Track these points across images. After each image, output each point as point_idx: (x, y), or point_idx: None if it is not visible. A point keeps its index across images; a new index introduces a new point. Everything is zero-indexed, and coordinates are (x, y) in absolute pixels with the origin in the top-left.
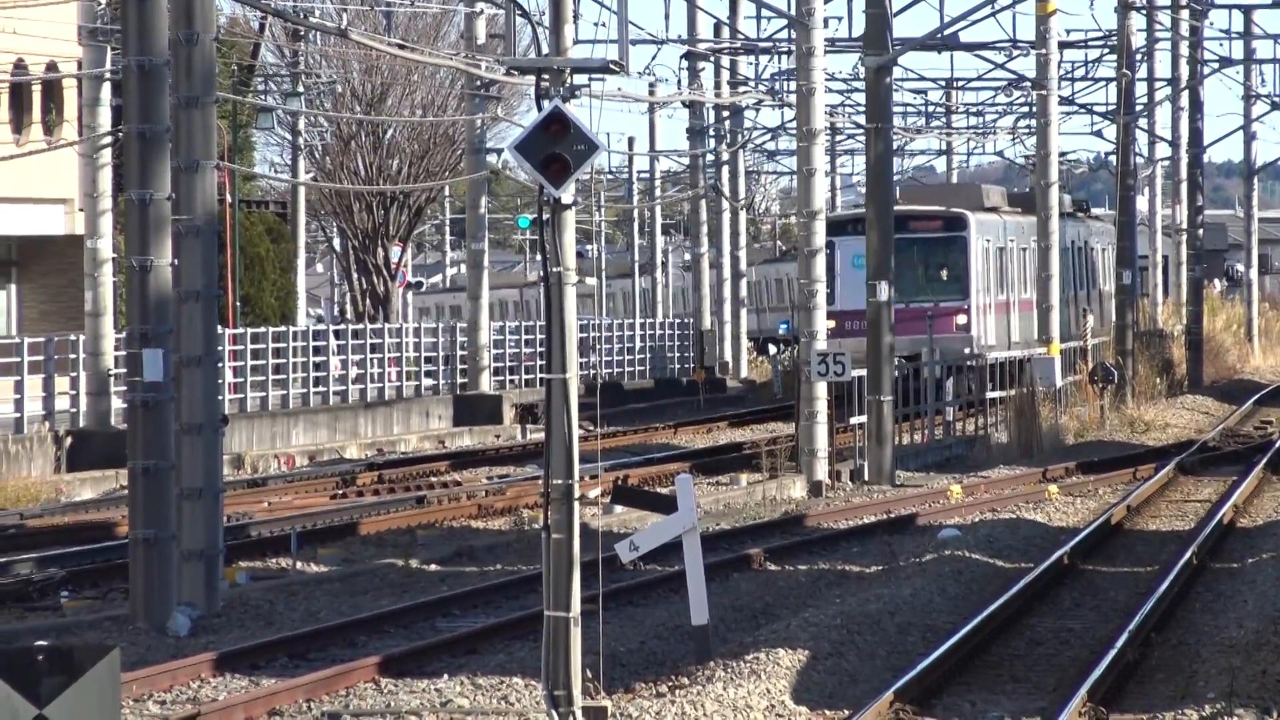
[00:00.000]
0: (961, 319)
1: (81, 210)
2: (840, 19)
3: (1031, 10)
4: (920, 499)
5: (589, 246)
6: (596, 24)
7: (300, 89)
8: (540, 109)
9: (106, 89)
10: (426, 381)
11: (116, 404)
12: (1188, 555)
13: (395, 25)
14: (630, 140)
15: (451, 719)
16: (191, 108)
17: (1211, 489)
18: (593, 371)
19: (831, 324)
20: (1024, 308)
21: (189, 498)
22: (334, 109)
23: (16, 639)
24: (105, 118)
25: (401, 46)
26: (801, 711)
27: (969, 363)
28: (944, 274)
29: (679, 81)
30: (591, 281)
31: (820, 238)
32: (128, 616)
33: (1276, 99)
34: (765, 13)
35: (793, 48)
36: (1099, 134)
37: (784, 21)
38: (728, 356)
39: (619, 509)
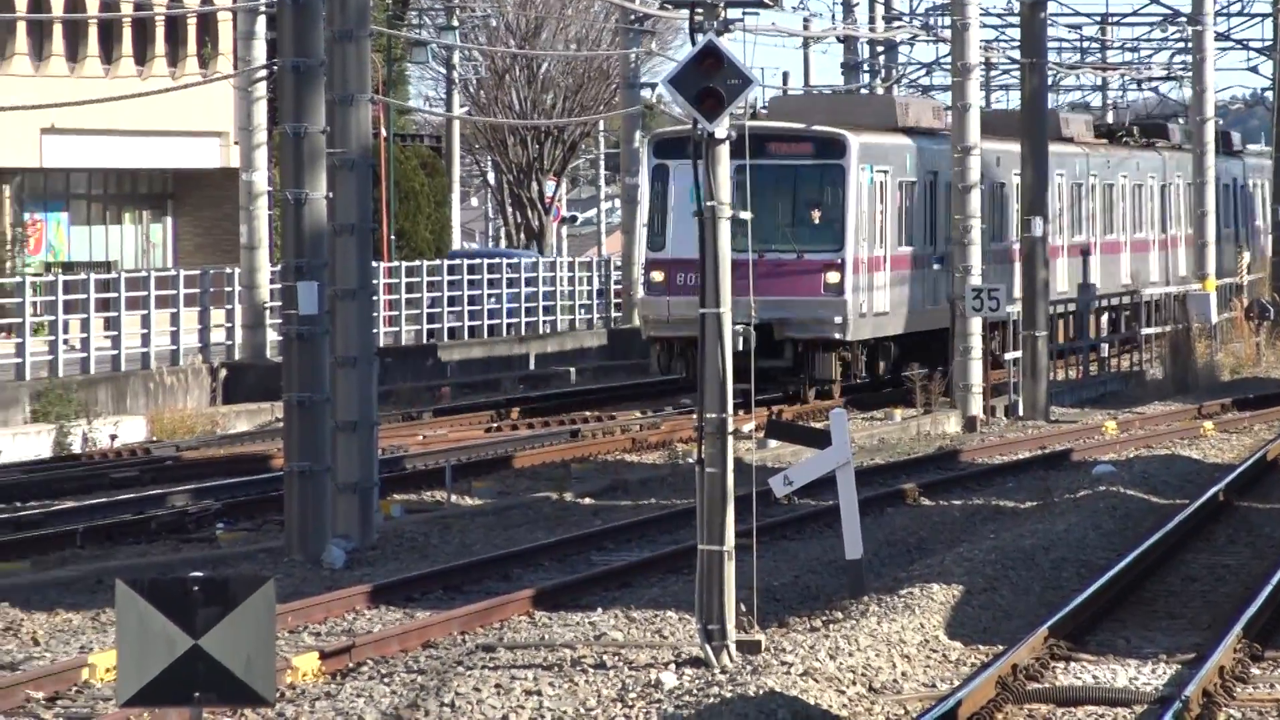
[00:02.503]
0: (832, 276)
1: (236, 143)
2: None
3: None
4: (1074, 435)
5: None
6: None
7: (455, 23)
8: (694, 43)
9: (261, 22)
10: (580, 315)
11: (272, 337)
12: None
13: None
14: (784, 75)
15: (605, 652)
16: (346, 41)
17: None
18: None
19: (658, 276)
20: (1109, 249)
21: (344, 430)
22: (488, 43)
23: (172, 570)
24: (260, 51)
25: None
26: (955, 646)
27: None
28: (814, 216)
29: (833, 16)
30: (746, 215)
31: (975, 172)
32: (282, 549)
33: None
34: None
35: None
36: (1254, 70)
37: None
38: None
39: (773, 443)
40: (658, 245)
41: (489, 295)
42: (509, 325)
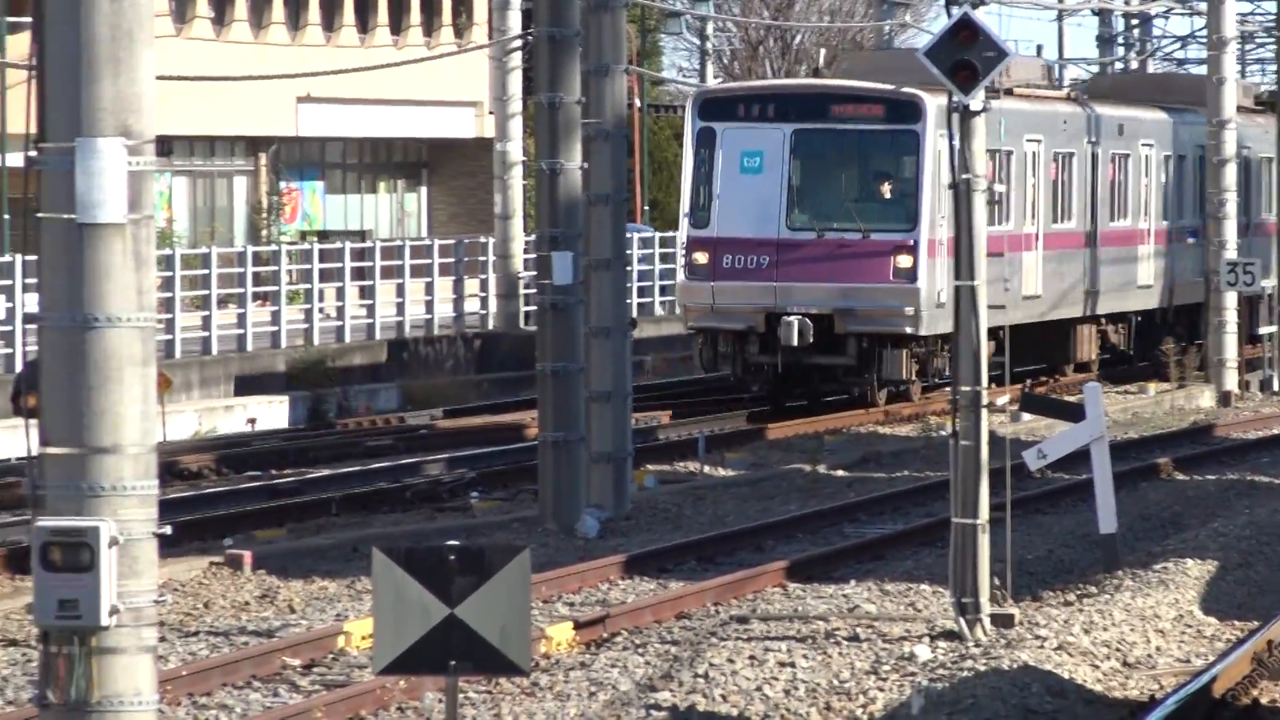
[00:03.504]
0: (903, 260)
1: (491, 113)
2: None
3: None
4: None
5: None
6: None
7: None
8: (949, 15)
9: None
10: None
11: (526, 307)
12: None
13: None
14: (1039, 48)
15: (859, 624)
16: (601, 11)
17: None
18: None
19: (701, 258)
20: None
21: (598, 400)
22: (742, 14)
23: (427, 539)
24: (515, 21)
25: None
26: (1210, 622)
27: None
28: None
29: None
30: (1000, 187)
31: (1230, 146)
32: (536, 518)
33: None
34: None
35: None
36: None
37: None
38: None
39: (1026, 417)
40: (701, 222)
41: None
42: None
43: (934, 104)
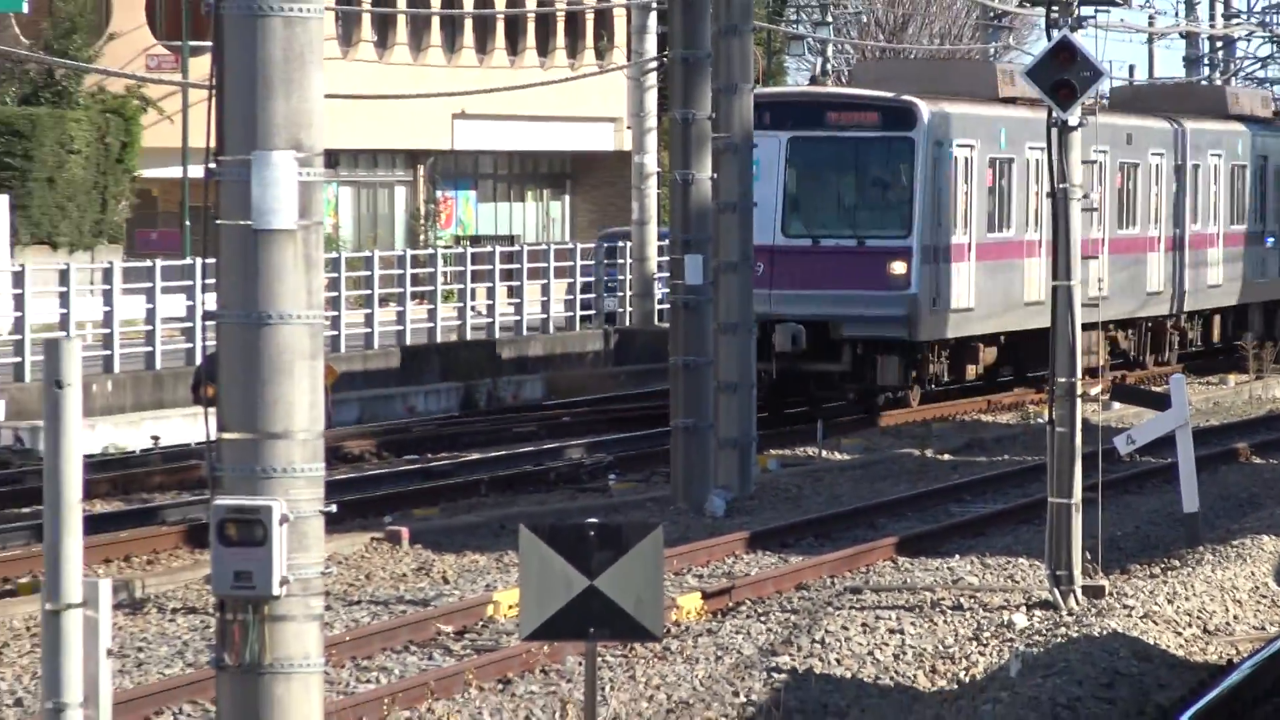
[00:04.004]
0: (898, 267)
1: (629, 128)
2: None
3: None
4: None
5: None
6: None
7: (829, 18)
8: (1049, 38)
9: (653, 18)
10: None
11: (659, 305)
12: None
13: None
14: (1130, 68)
15: (962, 595)
16: (730, 35)
17: None
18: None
19: None
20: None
21: (725, 391)
22: (859, 37)
23: (569, 517)
24: (652, 44)
25: None
26: None
27: None
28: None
29: (1176, 13)
30: (1094, 196)
31: None
32: (668, 498)
33: None
34: None
35: None
36: None
37: None
38: None
39: (1117, 405)
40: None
41: None
42: None
43: (928, 111)
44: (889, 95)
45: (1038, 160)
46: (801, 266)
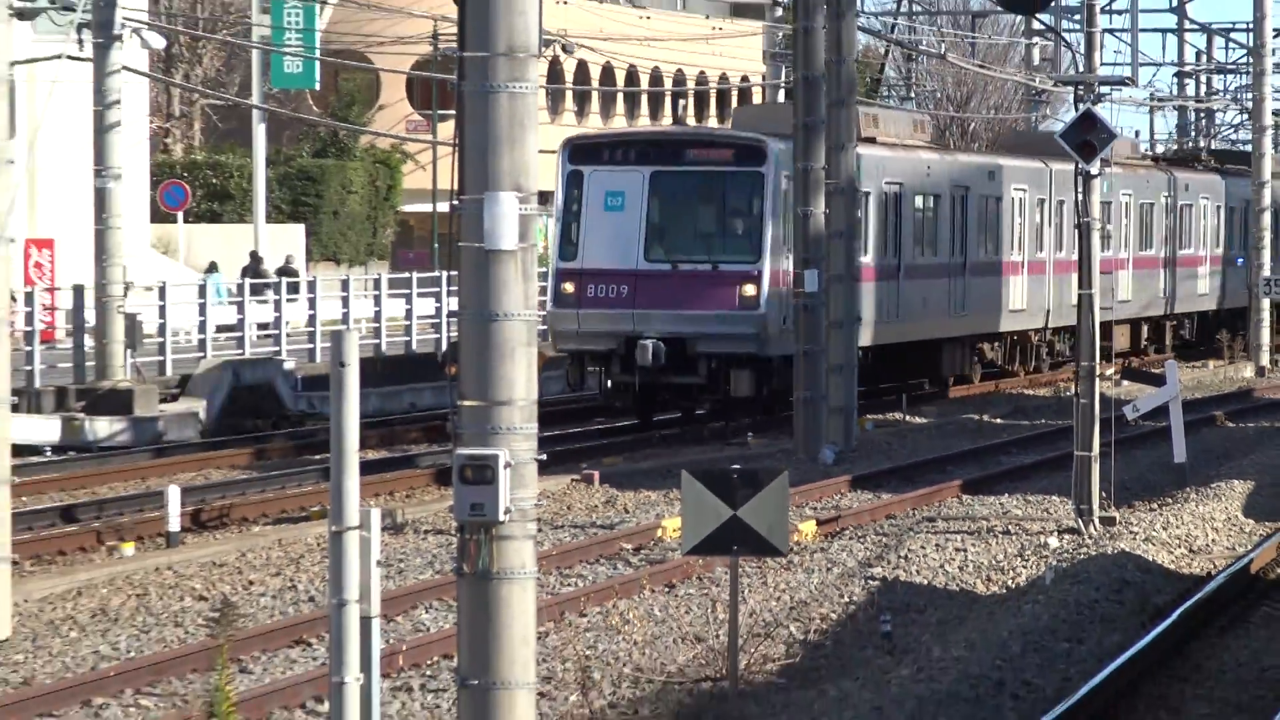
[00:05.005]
0: (749, 289)
1: None
2: None
3: None
4: None
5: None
6: (1115, 51)
7: (911, 94)
8: (1077, 109)
9: (781, 94)
10: None
11: None
12: None
13: (977, 51)
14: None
15: (1009, 523)
16: (838, 107)
17: None
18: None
19: (569, 287)
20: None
21: (834, 371)
22: (934, 108)
23: (717, 464)
24: None
25: (982, 66)
26: (1249, 522)
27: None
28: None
29: (1170, 90)
30: (1110, 228)
31: (1267, 198)
32: (792, 450)
33: None
34: (1230, 43)
35: (1250, 69)
36: None
37: (1243, 52)
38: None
39: (1126, 383)
40: (569, 255)
41: None
42: None
43: (776, 149)
44: (741, 134)
45: (895, 193)
46: (662, 288)
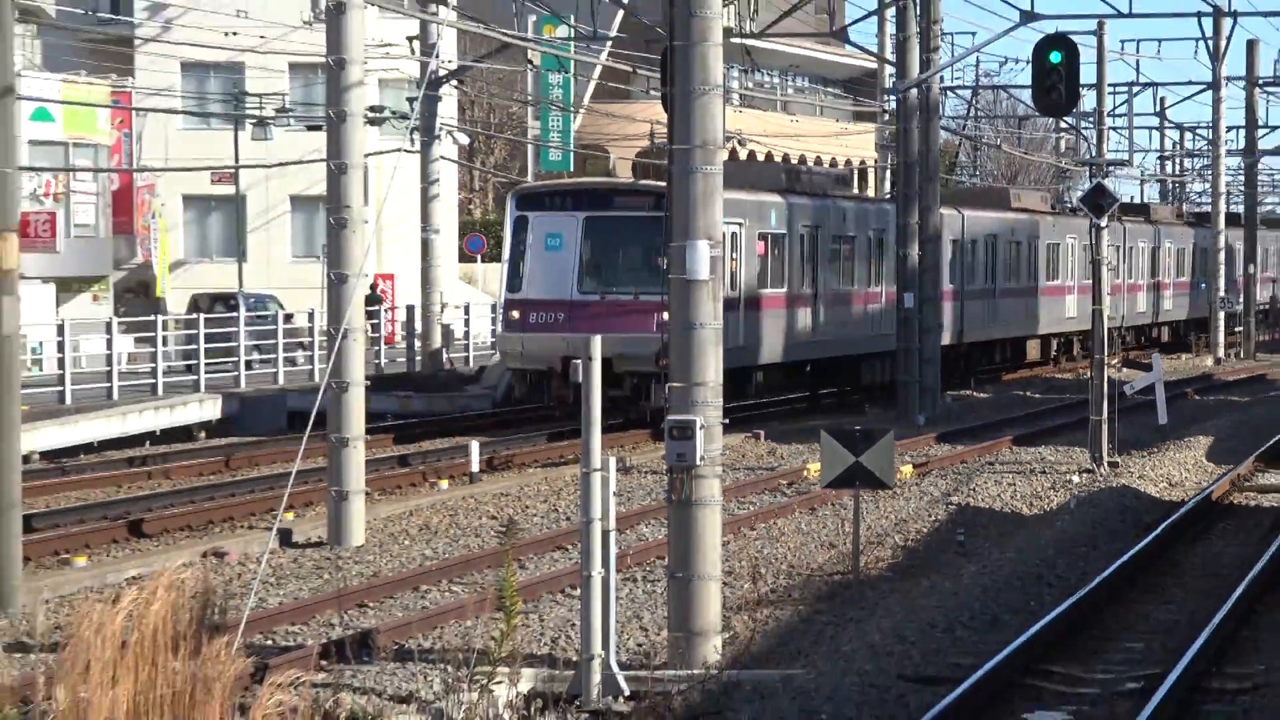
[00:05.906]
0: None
1: None
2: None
3: None
4: (1274, 366)
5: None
6: (1117, 140)
7: (976, 172)
8: (1090, 180)
9: (887, 175)
10: None
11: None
12: None
13: (1022, 141)
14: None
15: (1044, 465)
16: (927, 181)
17: None
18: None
19: (515, 314)
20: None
21: (925, 361)
22: (992, 183)
23: (845, 425)
24: (886, 184)
25: (1025, 152)
26: (1211, 465)
27: None
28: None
29: (1155, 167)
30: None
31: (1222, 239)
32: (896, 416)
33: None
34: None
35: (1210, 154)
36: None
37: (1205, 142)
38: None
39: (1125, 370)
40: (515, 287)
41: None
42: None
43: None
44: (660, 184)
45: (810, 235)
46: (592, 316)
